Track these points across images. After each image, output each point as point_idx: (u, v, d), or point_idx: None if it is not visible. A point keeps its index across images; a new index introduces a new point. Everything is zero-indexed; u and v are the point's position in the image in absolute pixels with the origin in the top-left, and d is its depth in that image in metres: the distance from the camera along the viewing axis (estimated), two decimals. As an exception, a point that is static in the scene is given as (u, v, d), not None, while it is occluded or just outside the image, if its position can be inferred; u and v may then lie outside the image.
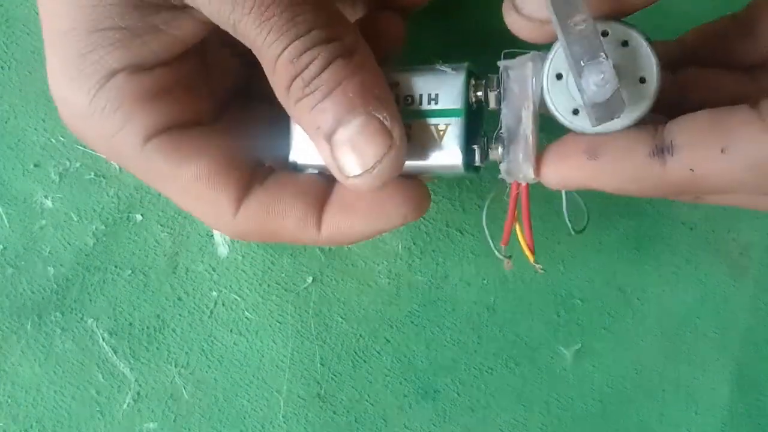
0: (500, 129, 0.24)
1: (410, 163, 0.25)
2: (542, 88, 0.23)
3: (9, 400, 0.33)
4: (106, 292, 0.33)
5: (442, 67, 0.24)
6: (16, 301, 0.33)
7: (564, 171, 0.23)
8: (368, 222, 0.26)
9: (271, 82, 0.24)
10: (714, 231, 0.36)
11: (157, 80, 0.25)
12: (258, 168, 0.27)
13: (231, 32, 0.23)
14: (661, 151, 0.22)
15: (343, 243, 0.27)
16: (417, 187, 0.26)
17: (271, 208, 0.26)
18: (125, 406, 0.33)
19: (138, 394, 0.33)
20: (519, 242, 0.25)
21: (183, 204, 0.26)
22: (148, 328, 0.33)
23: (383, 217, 0.25)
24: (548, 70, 0.22)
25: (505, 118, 0.24)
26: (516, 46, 0.24)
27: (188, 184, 0.25)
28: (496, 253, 0.26)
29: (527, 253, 0.25)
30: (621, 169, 0.22)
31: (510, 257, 0.26)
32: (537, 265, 0.26)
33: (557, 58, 0.22)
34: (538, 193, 0.27)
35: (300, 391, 0.34)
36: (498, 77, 0.24)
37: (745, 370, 0.36)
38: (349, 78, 0.23)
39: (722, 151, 0.21)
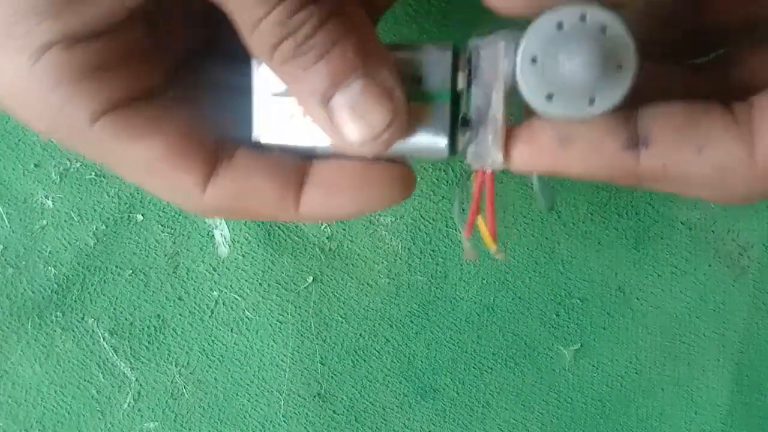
0: (469, 110, 0.23)
1: (394, 145, 0.23)
2: (515, 71, 0.22)
3: (9, 400, 0.33)
4: (106, 292, 0.33)
5: (428, 47, 0.23)
6: (16, 301, 0.33)
7: (534, 157, 0.23)
8: (354, 203, 0.24)
9: (247, 41, 0.21)
10: (713, 231, 0.36)
11: (99, 53, 0.22)
12: (223, 142, 0.24)
13: None
14: (635, 143, 0.22)
15: (322, 221, 0.25)
16: (403, 167, 0.24)
17: (243, 187, 0.23)
18: (126, 405, 0.33)
19: (138, 393, 0.33)
20: (480, 231, 0.25)
21: (144, 185, 0.24)
22: (148, 327, 0.34)
23: (370, 199, 0.24)
24: (522, 53, 0.21)
25: (475, 99, 0.23)
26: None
27: (147, 165, 0.23)
28: (464, 241, 0.25)
29: (489, 242, 0.25)
30: (593, 159, 0.22)
31: (474, 251, 0.25)
32: (498, 254, 0.26)
33: (532, 40, 0.21)
34: (535, 194, 0.27)
35: (300, 391, 0.34)
36: (468, 57, 0.23)
37: (745, 370, 0.36)
38: (346, 37, 0.21)
39: (698, 151, 0.21)
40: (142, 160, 0.23)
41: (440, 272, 0.35)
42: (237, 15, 0.21)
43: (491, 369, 0.35)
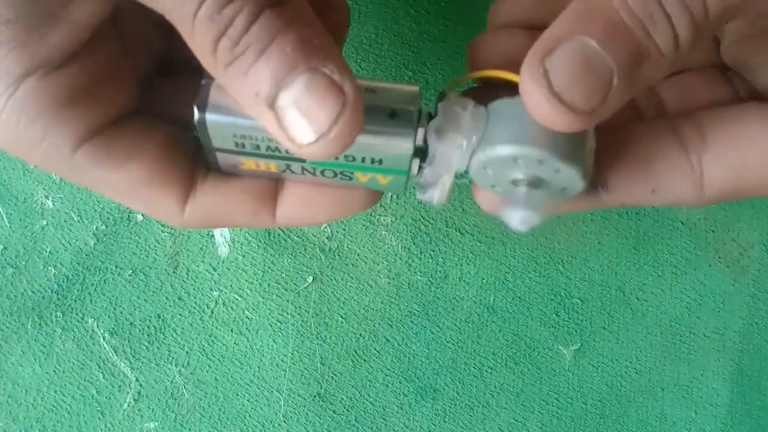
0: (420, 176, 0.23)
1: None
2: (468, 170, 0.22)
3: (9, 400, 0.33)
4: (106, 292, 0.33)
5: (389, 134, 0.22)
6: (16, 301, 0.33)
7: (500, 207, 0.24)
8: (328, 212, 0.24)
9: (193, 49, 0.20)
10: (714, 231, 0.36)
11: (75, 78, 0.22)
12: (198, 157, 0.24)
13: None
14: (596, 186, 0.23)
15: (297, 226, 0.26)
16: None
17: (220, 204, 0.24)
18: (126, 405, 0.33)
19: (138, 393, 0.33)
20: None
21: (125, 203, 0.24)
22: (148, 327, 0.34)
23: (343, 208, 0.24)
24: (476, 163, 0.22)
25: (426, 176, 0.23)
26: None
27: (128, 188, 0.23)
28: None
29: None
30: (560, 207, 0.24)
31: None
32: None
33: (487, 159, 0.21)
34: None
35: (300, 391, 0.34)
36: (424, 136, 0.22)
37: (745, 370, 0.36)
38: (284, 30, 0.19)
39: (651, 192, 0.23)
40: (124, 184, 0.23)
41: (440, 272, 0.35)
42: (176, 19, 0.20)
43: (491, 369, 0.35)
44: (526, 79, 0.19)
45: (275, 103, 0.20)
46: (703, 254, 0.35)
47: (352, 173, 0.23)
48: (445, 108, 0.22)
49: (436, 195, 0.23)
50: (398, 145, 0.22)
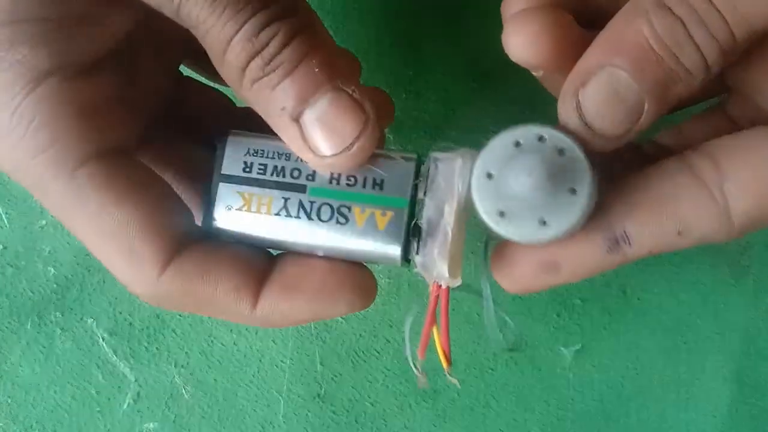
0: (420, 220, 0.23)
1: (346, 247, 0.23)
2: (470, 186, 0.22)
3: (9, 400, 0.33)
4: (106, 292, 0.33)
5: (393, 156, 0.23)
6: (16, 301, 0.33)
7: (525, 285, 0.23)
8: (312, 307, 0.23)
9: (218, 66, 0.21)
10: (714, 231, 0.36)
11: (96, 89, 0.21)
12: (191, 224, 0.23)
13: (171, 15, 0.20)
14: (616, 242, 0.22)
15: (276, 325, 0.23)
16: (367, 275, 0.24)
17: (204, 273, 0.22)
18: (125, 406, 0.33)
19: (138, 394, 0.33)
20: (435, 347, 0.24)
21: (97, 249, 0.22)
22: (148, 328, 0.34)
23: (329, 304, 0.23)
24: (478, 166, 0.21)
25: (427, 210, 0.23)
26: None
27: (113, 230, 0.21)
28: (412, 367, 0.25)
29: (443, 361, 0.24)
30: (581, 272, 0.23)
31: (425, 374, 0.25)
32: (452, 378, 0.25)
33: (489, 155, 0.21)
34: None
35: (300, 391, 0.34)
36: (426, 167, 0.23)
37: (745, 370, 0.36)
38: (312, 52, 0.21)
39: (678, 234, 0.22)
40: (110, 222, 0.21)
41: (440, 272, 0.35)
42: (209, 38, 0.21)
43: (491, 369, 0.35)
44: (561, 112, 0.21)
45: (300, 118, 0.21)
46: (703, 254, 0.35)
47: (350, 209, 0.23)
48: (440, 148, 0.23)
49: (437, 247, 0.22)
50: (402, 165, 0.23)
